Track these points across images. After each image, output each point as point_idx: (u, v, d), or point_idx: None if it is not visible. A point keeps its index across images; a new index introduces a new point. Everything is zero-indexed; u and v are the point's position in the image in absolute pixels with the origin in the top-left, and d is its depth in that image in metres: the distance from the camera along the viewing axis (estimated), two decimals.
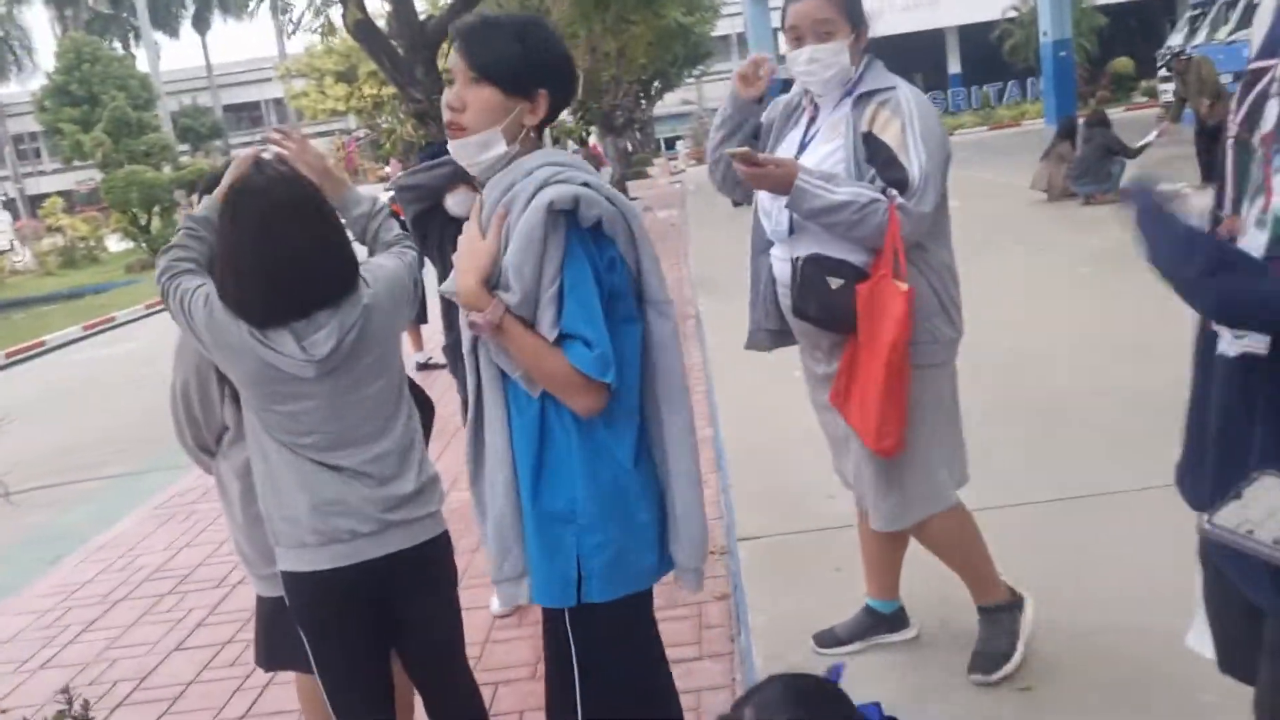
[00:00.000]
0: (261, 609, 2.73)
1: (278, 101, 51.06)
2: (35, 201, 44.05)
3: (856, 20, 2.65)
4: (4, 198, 42.12)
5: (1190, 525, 1.51)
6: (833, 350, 2.77)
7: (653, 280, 2.04)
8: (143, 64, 47.68)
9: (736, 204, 3.51)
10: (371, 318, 2.28)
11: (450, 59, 1.92)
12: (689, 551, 2.10)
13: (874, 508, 2.81)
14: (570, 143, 20.06)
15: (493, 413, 2.02)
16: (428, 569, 2.43)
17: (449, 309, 3.59)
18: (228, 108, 57.81)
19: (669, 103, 42.65)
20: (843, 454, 2.93)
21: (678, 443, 2.06)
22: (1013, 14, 35.10)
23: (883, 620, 3.13)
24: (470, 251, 1.94)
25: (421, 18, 8.93)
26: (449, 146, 1.99)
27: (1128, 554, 3.47)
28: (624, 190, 22.99)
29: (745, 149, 2.61)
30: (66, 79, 44.13)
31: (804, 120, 2.80)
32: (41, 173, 54.93)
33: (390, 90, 10.67)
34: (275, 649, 2.72)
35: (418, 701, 2.68)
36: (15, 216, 38.61)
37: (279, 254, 2.17)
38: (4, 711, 3.96)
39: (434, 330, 8.12)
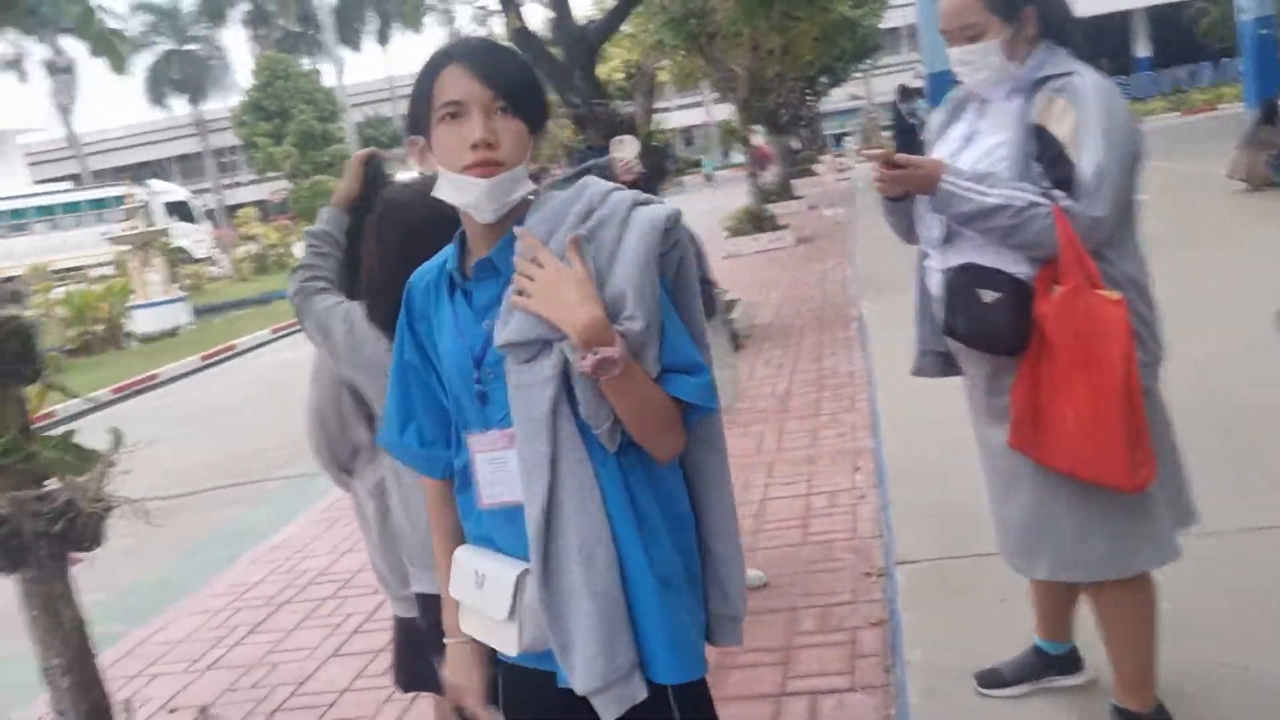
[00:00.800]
0: (399, 630, 2.71)
1: None
2: (233, 211, 46.79)
3: (1011, 13, 2.39)
4: (206, 208, 44.87)
5: None
6: (997, 377, 2.49)
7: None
8: (329, 79, 50.11)
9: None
10: None
11: (462, 88, 1.62)
12: (730, 601, 1.81)
13: (1073, 557, 2.46)
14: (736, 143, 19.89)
15: (577, 482, 1.65)
16: None
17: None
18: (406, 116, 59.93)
19: (836, 98, 41.87)
20: (1008, 494, 2.59)
21: (718, 481, 1.81)
22: None
23: (1053, 662, 2.87)
24: (572, 281, 1.60)
25: (580, 23, 8.96)
26: (466, 189, 1.65)
27: None
28: (788, 189, 22.67)
29: (882, 149, 2.42)
30: (261, 95, 46.76)
31: (970, 113, 2.57)
32: (239, 184, 58.38)
33: (553, 95, 10.76)
34: (413, 671, 2.69)
35: None
36: (215, 225, 41.06)
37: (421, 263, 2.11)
38: (173, 710, 4.11)
39: None
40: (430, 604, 2.28)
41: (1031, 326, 2.33)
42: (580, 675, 1.64)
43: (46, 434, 2.27)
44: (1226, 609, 2.96)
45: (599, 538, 1.63)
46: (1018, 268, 2.36)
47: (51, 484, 2.20)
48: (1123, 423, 2.25)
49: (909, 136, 18.59)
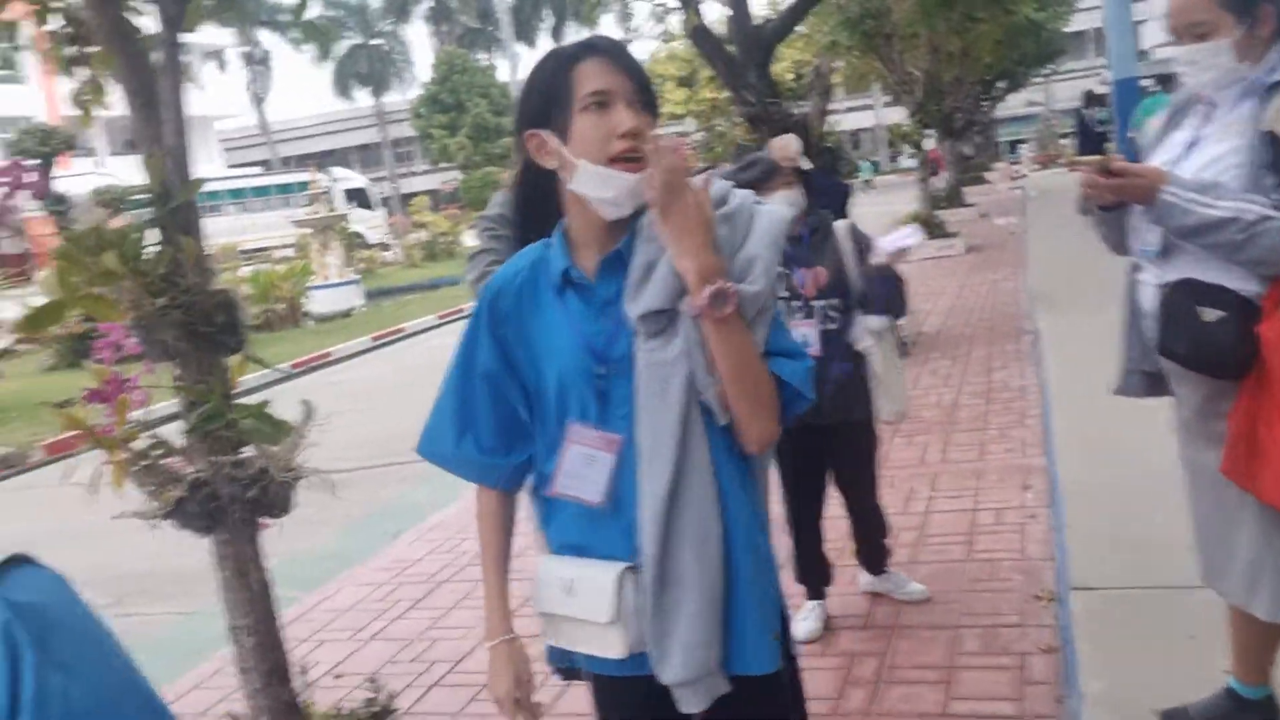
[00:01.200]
0: None
1: None
2: (406, 200, 48.50)
3: (1245, 10, 2.22)
4: (382, 196, 46.65)
5: None
6: (1214, 400, 2.33)
7: None
8: (504, 74, 51.38)
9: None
10: None
11: (608, 78, 1.64)
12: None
13: None
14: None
15: (700, 470, 1.67)
16: None
17: None
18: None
19: (1013, 104, 40.51)
20: (1231, 523, 2.42)
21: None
22: None
23: (1248, 707, 2.67)
24: (703, 222, 1.62)
25: (757, 21, 8.89)
26: (607, 181, 1.64)
27: None
28: (959, 196, 22.03)
29: (1100, 156, 2.28)
30: (439, 88, 48.35)
31: (1194, 118, 2.40)
32: (413, 173, 60.49)
33: (728, 94, 10.74)
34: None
35: None
36: (389, 213, 42.63)
37: None
38: (339, 676, 4.25)
39: None
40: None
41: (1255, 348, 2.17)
42: (674, 666, 1.67)
43: (242, 403, 2.36)
44: None
45: (712, 529, 1.66)
46: (1245, 285, 2.20)
47: (247, 451, 2.29)
48: None
49: (1094, 144, 17.85)
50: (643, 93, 1.66)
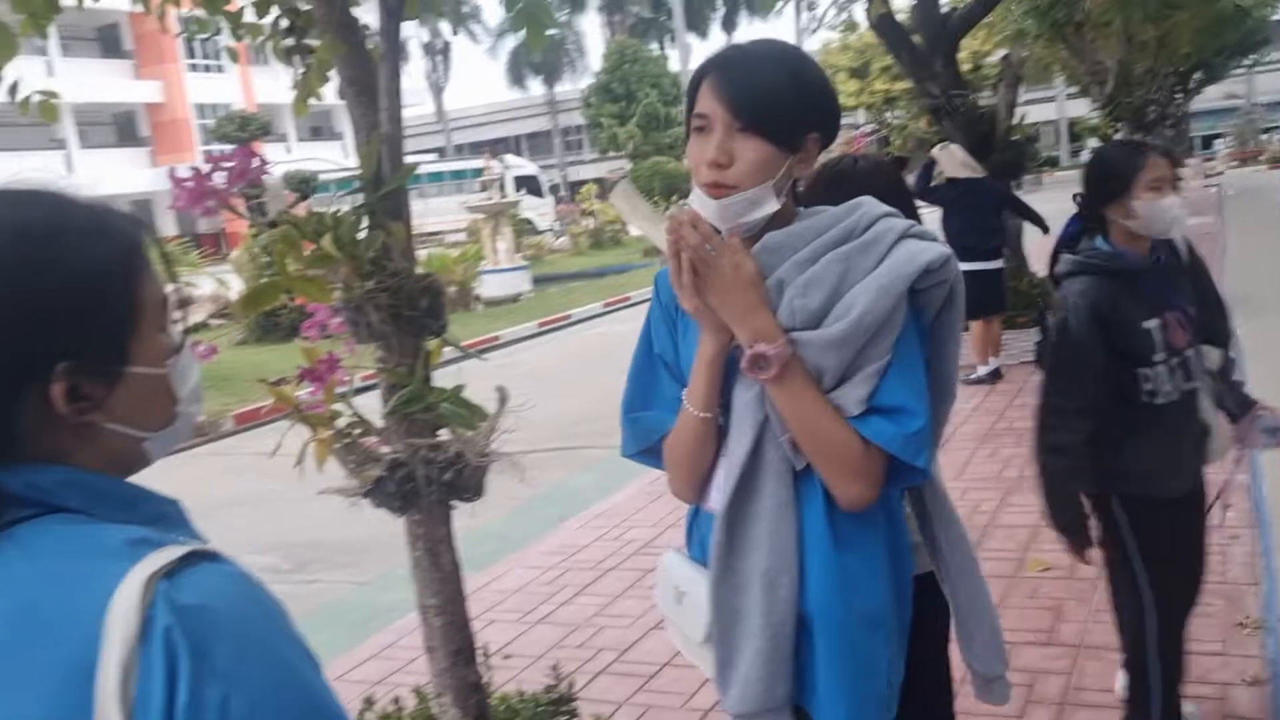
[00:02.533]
0: None
1: None
2: (574, 188, 49.28)
3: None
4: (551, 183, 47.53)
5: None
6: None
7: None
8: (675, 64, 51.56)
9: None
10: None
11: (707, 103, 1.58)
12: (987, 655, 1.86)
13: None
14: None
15: (776, 500, 1.62)
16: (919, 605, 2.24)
17: None
18: None
19: (1209, 96, 38.23)
20: None
21: (951, 521, 1.87)
22: None
23: None
24: (746, 281, 1.57)
25: (943, 10, 8.63)
26: (704, 205, 1.61)
27: None
28: None
29: None
30: (610, 78, 48.90)
31: None
32: (581, 161, 61.40)
33: (901, 85, 10.47)
34: None
35: None
36: (558, 200, 43.40)
37: None
38: (508, 657, 4.33)
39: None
40: None
41: None
42: (733, 697, 1.65)
43: (439, 387, 2.41)
44: None
45: (786, 565, 1.60)
46: None
47: (443, 434, 2.34)
48: None
49: None
50: (747, 117, 1.56)
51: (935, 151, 7.33)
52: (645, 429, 1.75)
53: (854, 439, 1.55)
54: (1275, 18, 29.15)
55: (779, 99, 1.57)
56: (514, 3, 2.04)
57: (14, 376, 0.87)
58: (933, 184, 7.63)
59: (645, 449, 1.77)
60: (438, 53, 56.10)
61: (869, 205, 1.65)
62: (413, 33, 46.85)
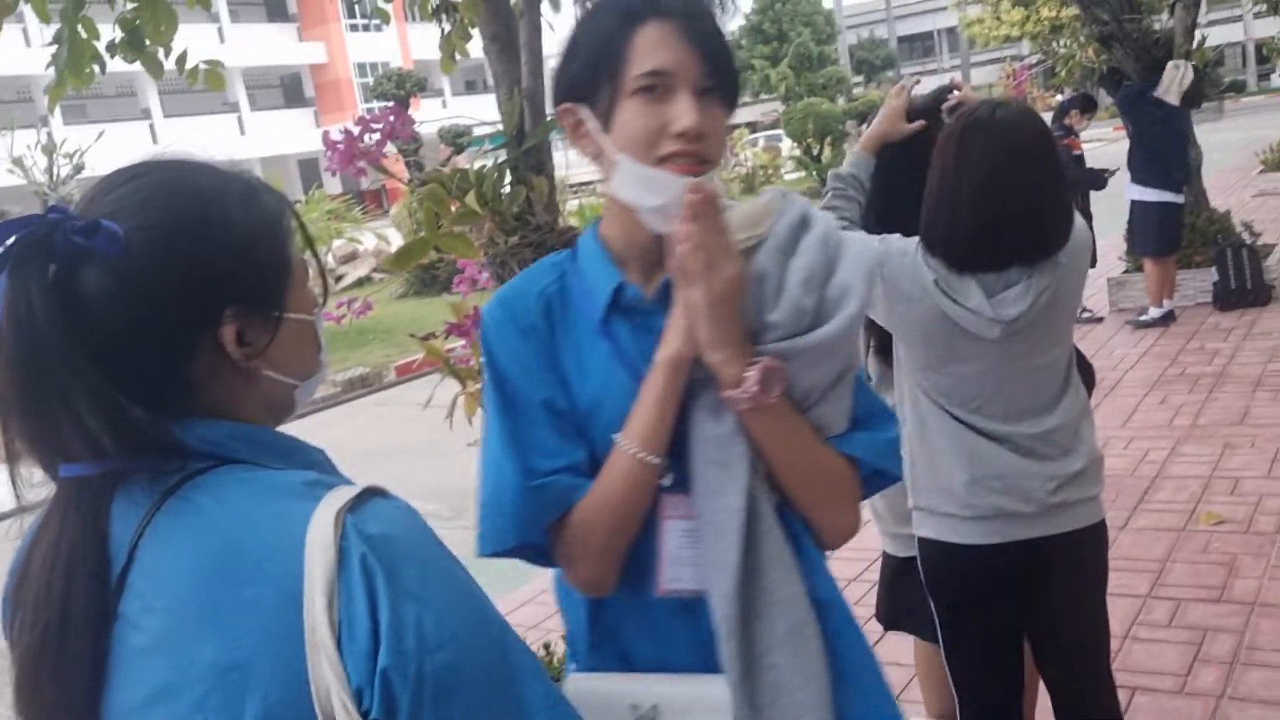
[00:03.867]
0: (887, 566, 2.67)
1: (950, 30, 50.79)
2: (729, 131, 48.89)
3: None
4: None
5: None
6: None
7: None
8: (828, 1, 50.33)
9: None
10: (1064, 280, 2.08)
11: (672, 55, 1.24)
12: None
13: None
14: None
15: (777, 545, 1.29)
16: (1081, 558, 2.20)
17: None
18: (901, 39, 58.88)
19: None
20: None
21: None
22: None
23: None
24: (740, 293, 1.25)
25: None
26: (668, 186, 1.25)
27: None
28: None
29: None
30: (761, 18, 48.04)
31: None
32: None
33: (1071, 12, 9.93)
34: (896, 609, 2.65)
35: (1040, 697, 2.43)
36: None
37: (1008, 195, 2.00)
38: None
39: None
40: (935, 551, 2.21)
41: None
42: None
43: None
44: None
45: (806, 613, 1.27)
46: None
47: None
48: None
49: None
50: (717, 76, 1.26)
51: (1169, 67, 6.96)
52: (555, 498, 1.27)
53: (844, 462, 1.32)
54: None
55: (733, 56, 1.33)
56: None
57: (193, 324, 0.95)
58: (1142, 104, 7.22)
59: (527, 542, 1.28)
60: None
61: (797, 203, 1.36)
62: None
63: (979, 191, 2.01)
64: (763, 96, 48.99)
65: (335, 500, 0.88)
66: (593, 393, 1.30)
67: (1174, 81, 6.94)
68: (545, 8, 2.27)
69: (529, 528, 1.27)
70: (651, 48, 1.24)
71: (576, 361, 1.31)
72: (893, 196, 2.31)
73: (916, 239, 2.11)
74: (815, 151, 26.60)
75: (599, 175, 1.31)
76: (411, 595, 0.85)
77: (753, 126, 43.77)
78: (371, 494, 0.91)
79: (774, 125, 42.29)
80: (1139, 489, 4.66)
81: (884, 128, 2.37)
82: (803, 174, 28.75)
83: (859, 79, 46.40)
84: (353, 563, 0.84)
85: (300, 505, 0.88)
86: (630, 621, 1.33)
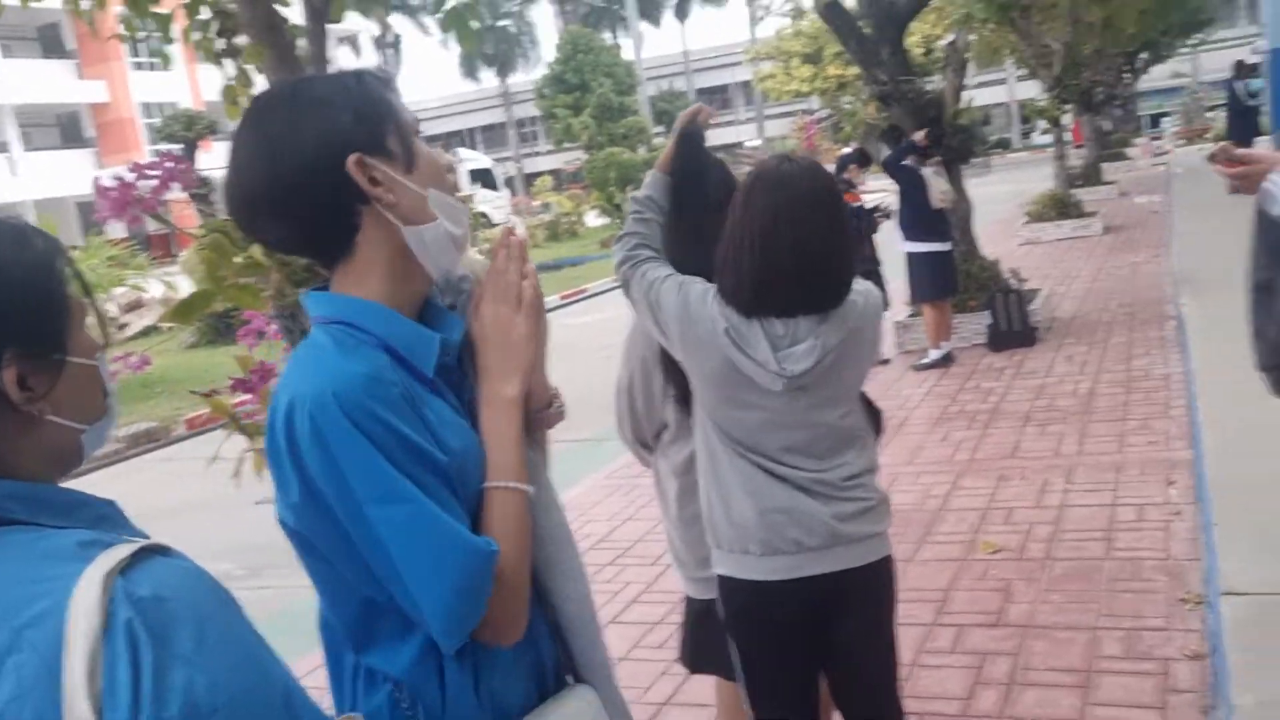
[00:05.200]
0: (690, 609, 2.70)
1: (745, 84, 52.81)
2: (530, 180, 49.11)
3: None
4: (505, 176, 47.26)
5: None
6: None
7: None
8: (628, 52, 51.46)
9: None
10: (853, 342, 2.17)
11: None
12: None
13: None
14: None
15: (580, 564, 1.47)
16: (871, 593, 2.29)
17: None
18: (700, 91, 60.81)
19: (1156, 76, 38.69)
20: None
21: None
22: None
23: None
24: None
25: None
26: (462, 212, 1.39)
27: None
28: (1097, 174, 21.19)
29: (1222, 144, 2.22)
30: (563, 68, 48.67)
31: None
32: (537, 153, 61.15)
33: (855, 71, 10.52)
34: (701, 652, 2.68)
35: None
36: (513, 193, 43.18)
37: (792, 245, 2.07)
38: None
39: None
40: (731, 588, 2.26)
41: None
42: None
43: None
44: None
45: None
46: None
47: None
48: None
49: (1244, 118, 16.92)
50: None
51: (932, 175, 7.58)
52: (485, 561, 1.25)
53: None
54: None
55: None
56: (442, 3, 2.03)
57: None
58: (903, 161, 7.71)
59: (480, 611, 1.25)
60: (389, 46, 55.61)
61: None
62: (362, 26, 46.36)
63: (764, 241, 2.08)
64: (565, 145, 49.56)
65: (106, 561, 0.85)
66: (459, 449, 1.29)
67: (936, 188, 7.60)
68: (345, 54, 2.24)
69: (474, 613, 1.24)
70: (399, 98, 1.33)
71: (437, 423, 1.29)
72: (677, 226, 2.36)
73: (711, 286, 2.18)
74: (618, 200, 27.01)
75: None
76: (182, 659, 0.82)
77: (556, 175, 44.18)
78: (150, 553, 0.88)
79: (576, 174, 42.82)
80: (925, 522, 4.91)
81: (673, 148, 2.43)
82: (607, 221, 29.11)
83: (660, 129, 47.57)
84: (117, 628, 0.82)
85: (69, 567, 0.85)
86: (502, 666, 1.33)
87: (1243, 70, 17.33)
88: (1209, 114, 37.62)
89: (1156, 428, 5.83)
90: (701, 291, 2.17)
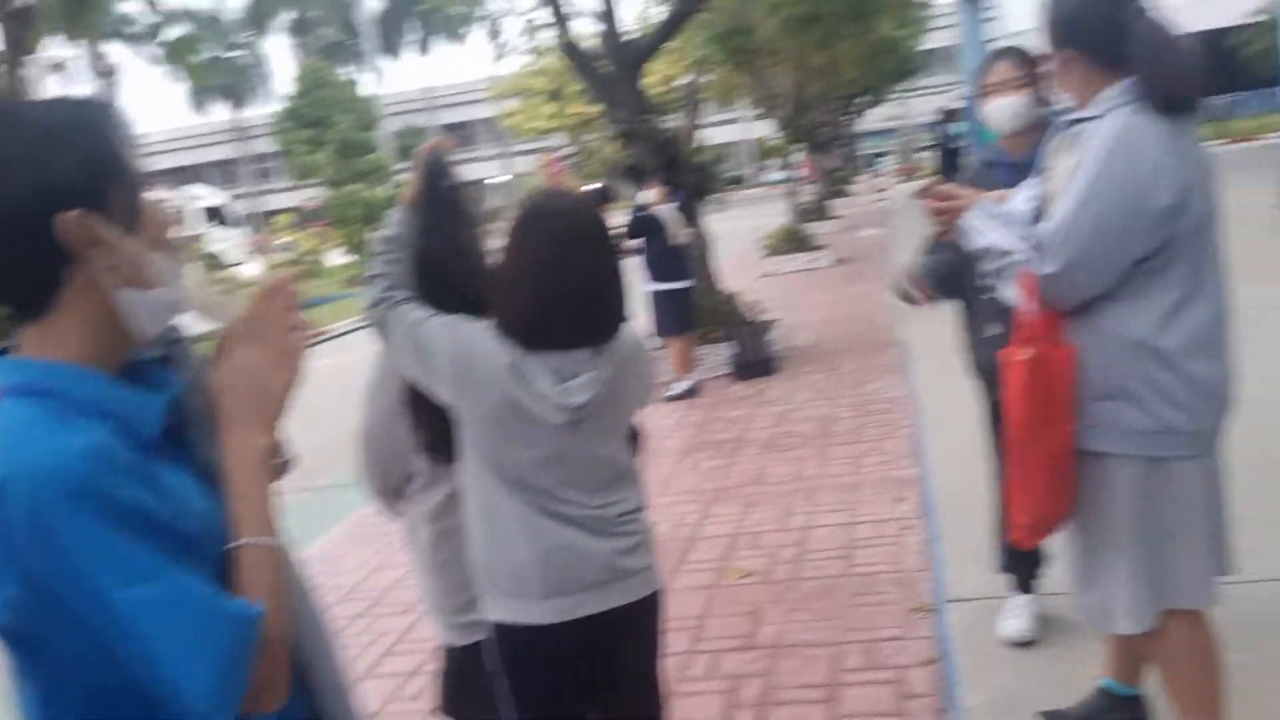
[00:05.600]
0: (451, 657, 2.61)
1: (488, 121, 52.94)
2: (269, 217, 47.23)
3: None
4: (243, 214, 45.18)
5: None
6: None
7: None
8: (368, 88, 50.50)
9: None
10: (626, 376, 2.19)
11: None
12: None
13: (1106, 607, 2.45)
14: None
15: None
16: (646, 625, 2.31)
17: None
18: (444, 127, 60.49)
19: (874, 118, 41.76)
20: (1084, 553, 2.54)
21: None
22: (1261, 17, 32.59)
23: (1122, 705, 2.74)
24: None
25: (634, 36, 8.92)
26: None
27: None
28: (826, 209, 22.57)
29: (927, 182, 2.48)
30: (301, 102, 47.11)
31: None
32: (275, 190, 58.88)
33: (599, 108, 10.74)
34: (465, 700, 2.59)
35: None
36: (252, 231, 41.34)
37: (564, 278, 2.09)
38: None
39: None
40: (508, 633, 2.21)
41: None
42: None
43: None
44: None
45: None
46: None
47: None
48: (1005, 474, 2.40)
49: (950, 158, 18.52)
50: None
51: (669, 212, 7.80)
52: (250, 627, 1.17)
53: None
54: (924, 47, 32.27)
55: None
56: (156, 33, 1.89)
57: None
58: (636, 215, 7.93)
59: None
60: (104, 75, 52.28)
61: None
62: (75, 53, 43.36)
63: (541, 275, 2.09)
64: (306, 182, 47.99)
65: None
66: (201, 511, 1.21)
67: (675, 226, 7.90)
68: (55, 84, 2.04)
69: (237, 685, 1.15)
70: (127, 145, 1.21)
71: (173, 488, 1.19)
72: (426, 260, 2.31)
73: (489, 322, 2.14)
74: (362, 238, 26.40)
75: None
76: None
77: (296, 212, 42.69)
78: None
79: (318, 211, 41.54)
80: (679, 551, 5.00)
81: (417, 182, 2.37)
82: (351, 259, 28.38)
83: (402, 165, 46.86)
84: None
85: None
86: None
87: (948, 115, 18.95)
88: (921, 154, 40.88)
89: (887, 448, 6.19)
90: (475, 329, 2.13)
